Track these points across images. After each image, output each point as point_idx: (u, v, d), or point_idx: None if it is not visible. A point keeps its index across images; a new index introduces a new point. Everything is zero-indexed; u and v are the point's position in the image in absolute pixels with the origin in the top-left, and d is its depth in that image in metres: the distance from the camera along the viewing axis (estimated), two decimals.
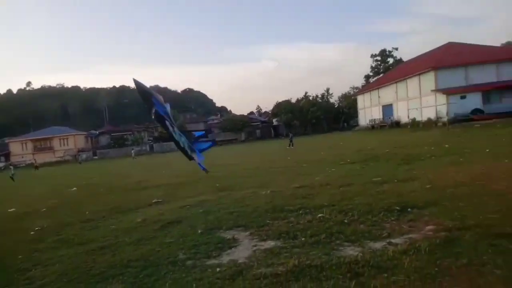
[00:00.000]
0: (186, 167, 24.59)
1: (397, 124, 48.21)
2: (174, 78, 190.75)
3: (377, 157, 16.20)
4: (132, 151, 55.84)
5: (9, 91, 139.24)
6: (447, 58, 43.70)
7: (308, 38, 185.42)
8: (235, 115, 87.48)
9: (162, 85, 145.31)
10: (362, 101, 64.80)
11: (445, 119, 35.90)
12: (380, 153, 17.67)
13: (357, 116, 68.79)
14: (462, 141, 19.24)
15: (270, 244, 5.65)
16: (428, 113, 40.53)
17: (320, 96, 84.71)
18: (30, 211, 11.91)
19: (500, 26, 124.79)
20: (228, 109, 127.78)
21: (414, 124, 41.31)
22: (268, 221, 6.93)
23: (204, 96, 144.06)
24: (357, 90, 76.89)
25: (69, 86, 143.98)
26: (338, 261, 4.55)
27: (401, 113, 48.47)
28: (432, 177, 9.69)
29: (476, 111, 36.16)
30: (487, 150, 14.02)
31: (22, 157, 68.10)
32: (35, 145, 71.87)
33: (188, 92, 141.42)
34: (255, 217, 7.36)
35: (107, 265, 5.42)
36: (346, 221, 6.36)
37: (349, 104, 77.31)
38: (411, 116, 43.13)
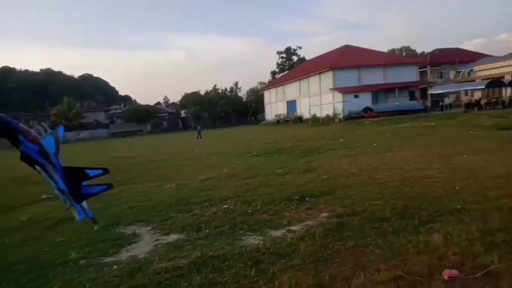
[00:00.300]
0: (83, 159, 22.73)
1: (300, 120, 51.26)
2: (70, 61, 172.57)
3: (280, 150, 17.01)
4: None
5: None
6: (343, 59, 47.86)
7: (218, 30, 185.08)
8: (140, 105, 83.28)
9: (55, 68, 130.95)
10: (269, 96, 67.35)
11: (341, 116, 39.35)
12: (283, 146, 18.59)
13: (264, 111, 71.29)
14: (354, 136, 21.29)
15: (173, 237, 5.53)
16: (327, 110, 43.92)
17: (229, 89, 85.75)
18: None
19: (388, 33, 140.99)
20: (133, 98, 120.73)
21: (314, 120, 44.40)
22: (172, 214, 6.77)
23: (105, 83, 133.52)
24: (264, 86, 79.60)
25: None
26: (240, 250, 4.65)
27: (304, 109, 51.66)
28: (328, 168, 10.54)
29: (366, 109, 40.31)
30: (375, 144, 15.75)
31: None
32: None
33: (87, 77, 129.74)
34: (158, 211, 7.13)
35: None
36: (249, 211, 6.54)
37: (256, 98, 79.70)
38: (312, 112, 46.29)
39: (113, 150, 29.19)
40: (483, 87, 35.58)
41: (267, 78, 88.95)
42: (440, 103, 40.79)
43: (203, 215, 6.57)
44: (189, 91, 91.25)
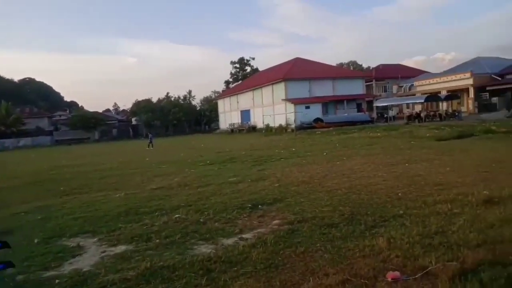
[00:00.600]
0: (23, 167, 21.20)
1: (253, 129, 51.71)
2: (8, 64, 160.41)
3: (234, 159, 17.03)
4: None
5: None
6: (295, 71, 49.20)
7: (170, 38, 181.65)
8: (87, 111, 79.43)
9: None
10: (223, 105, 67.34)
11: (293, 126, 40.28)
12: (237, 155, 18.63)
13: (218, 119, 71.06)
14: (306, 146, 21.87)
15: (121, 248, 5.32)
16: (279, 120, 44.74)
17: (182, 97, 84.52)
18: None
19: (337, 48, 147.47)
20: (80, 104, 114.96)
21: (268, 129, 45.03)
22: (120, 225, 6.51)
23: (48, 87, 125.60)
24: (218, 95, 79.53)
25: None
26: (191, 259, 4.58)
27: (257, 119, 52.22)
28: (280, 176, 10.73)
29: (317, 119, 41.62)
30: (324, 154, 16.29)
31: None
32: None
33: (28, 81, 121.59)
34: (105, 222, 6.83)
35: None
36: (201, 220, 6.47)
37: (210, 107, 79.35)
38: (266, 122, 46.93)
39: (57, 159, 27.49)
40: (422, 100, 38.25)
41: (221, 87, 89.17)
42: (385, 115, 43.17)
43: (153, 225, 6.40)
44: (140, 98, 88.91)
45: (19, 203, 9.41)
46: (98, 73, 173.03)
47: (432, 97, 39.10)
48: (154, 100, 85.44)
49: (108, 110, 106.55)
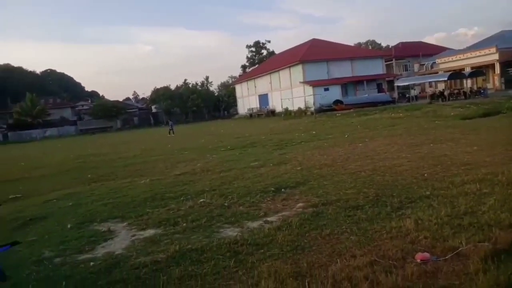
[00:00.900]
0: (51, 157, 21.90)
1: (272, 113, 51.53)
2: (31, 56, 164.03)
3: (254, 143, 17.08)
4: None
5: None
6: (312, 53, 48.34)
7: (184, 24, 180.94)
8: (108, 101, 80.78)
9: (15, 64, 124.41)
10: (240, 90, 67.20)
11: (312, 108, 39.89)
12: (257, 140, 18.68)
13: (236, 105, 71.07)
14: (326, 128, 21.68)
15: (149, 232, 5.47)
16: (298, 103, 44.38)
17: (200, 83, 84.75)
18: None
19: (353, 27, 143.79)
20: (100, 94, 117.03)
21: (287, 113, 44.79)
22: (147, 210, 6.68)
23: (69, 78, 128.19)
24: (235, 80, 79.28)
25: None
26: (218, 242, 4.68)
27: (276, 103, 51.96)
28: (302, 160, 10.71)
29: (337, 101, 41.04)
30: (346, 136, 16.12)
31: None
32: None
33: (49, 73, 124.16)
34: (133, 207, 7.03)
35: None
36: (226, 204, 6.57)
37: (228, 92, 79.27)
38: (284, 106, 46.65)
39: (82, 147, 28.29)
40: (445, 78, 36.97)
41: (238, 72, 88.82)
42: (407, 95, 42.11)
43: (179, 209, 6.54)
44: (159, 86, 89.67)
45: (50, 190, 9.79)
46: (116, 62, 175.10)
47: (456, 74, 37.78)
48: (173, 87, 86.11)
49: (128, 99, 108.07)
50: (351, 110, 34.81)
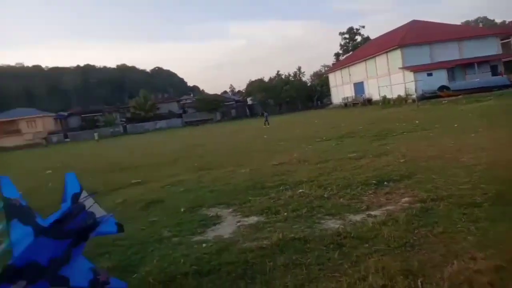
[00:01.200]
0: (162, 147, 24.36)
1: (369, 102, 49.23)
2: (142, 56, 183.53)
3: (351, 134, 16.57)
4: (95, 134, 54.17)
5: None
6: (412, 36, 44.55)
7: (275, 15, 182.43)
8: (208, 95, 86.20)
9: (129, 63, 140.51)
10: (334, 79, 65.48)
11: (414, 96, 36.98)
12: (354, 130, 18.07)
13: (330, 94, 69.56)
14: (431, 117, 19.92)
15: (253, 219, 5.75)
16: (397, 90, 41.55)
17: (292, 74, 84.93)
18: None
19: (458, 4, 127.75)
20: (201, 88, 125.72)
21: (385, 101, 42.30)
22: (249, 198, 7.01)
23: (174, 75, 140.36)
24: (328, 68, 77.43)
25: (30, 65, 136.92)
26: (320, 233, 4.70)
27: (372, 91, 49.43)
28: (405, 151, 10.05)
29: (442, 87, 37.36)
30: (456, 125, 14.61)
31: None
32: (2, 128, 67.47)
33: (158, 71, 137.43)
34: (236, 195, 7.44)
35: (93, 244, 5.34)
36: (325, 195, 6.53)
37: (321, 82, 77.93)
38: (382, 94, 44.12)
39: (189, 138, 30.84)
40: None
41: (330, 60, 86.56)
42: None
43: (279, 198, 6.72)
44: (253, 78, 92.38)
45: (165, 177, 10.89)
46: (213, 57, 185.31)
47: None
48: (266, 79, 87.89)
49: (225, 92, 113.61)
50: (460, 96, 31.39)
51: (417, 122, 18.08)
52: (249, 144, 18.29)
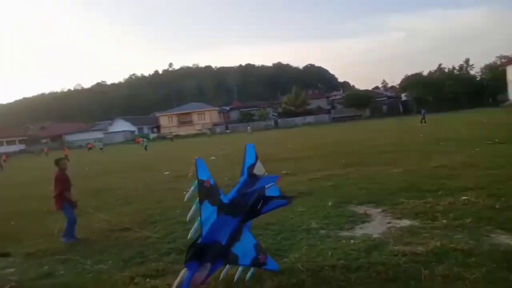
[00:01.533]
0: (310, 142, 24.90)
1: None
2: (295, 54, 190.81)
3: None
4: (248, 127, 58.77)
5: (156, 71, 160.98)
6: None
7: (440, 4, 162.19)
8: (358, 90, 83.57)
9: (284, 62, 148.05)
10: None
11: None
12: None
13: (506, 90, 58.47)
14: None
15: (406, 222, 5.41)
16: None
17: (457, 68, 74.71)
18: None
19: None
20: (351, 84, 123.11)
21: None
22: (402, 199, 6.59)
23: (325, 71, 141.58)
24: (506, 60, 64.90)
25: (203, 66, 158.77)
26: (490, 248, 4.11)
27: None
28: None
29: None
30: None
31: (170, 129, 77.77)
32: (179, 119, 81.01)
33: (310, 68, 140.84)
34: (387, 195, 7.10)
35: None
36: (497, 206, 5.65)
37: (495, 76, 65.98)
38: None
39: (337, 134, 30.75)
40: None
41: (509, 50, 72.44)
42: None
43: (438, 204, 6.11)
44: (409, 73, 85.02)
45: (313, 170, 11.18)
46: (367, 53, 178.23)
47: None
48: (425, 73, 79.71)
49: (377, 88, 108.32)
50: None
51: None
52: (402, 143, 17.03)
